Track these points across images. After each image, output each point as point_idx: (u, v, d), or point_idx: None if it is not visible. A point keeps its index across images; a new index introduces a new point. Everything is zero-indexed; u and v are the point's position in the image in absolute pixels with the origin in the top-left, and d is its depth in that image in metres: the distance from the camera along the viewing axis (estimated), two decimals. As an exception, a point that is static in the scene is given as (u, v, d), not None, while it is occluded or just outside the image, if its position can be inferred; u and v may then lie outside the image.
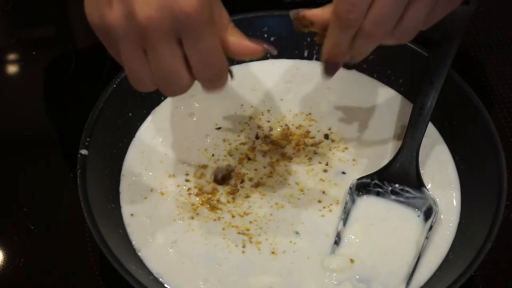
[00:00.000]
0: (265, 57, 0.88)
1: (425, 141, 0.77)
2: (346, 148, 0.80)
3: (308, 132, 0.82)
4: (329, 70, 0.65)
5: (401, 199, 0.75)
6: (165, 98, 0.84)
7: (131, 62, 0.57)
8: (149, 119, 0.82)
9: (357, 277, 0.70)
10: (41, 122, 0.90)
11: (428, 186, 0.76)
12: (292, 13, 0.64)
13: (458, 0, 0.62)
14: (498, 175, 0.72)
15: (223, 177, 0.77)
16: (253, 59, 0.88)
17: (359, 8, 0.59)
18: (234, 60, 0.86)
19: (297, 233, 0.73)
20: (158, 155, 0.79)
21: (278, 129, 0.82)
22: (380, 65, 0.86)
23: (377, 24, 0.59)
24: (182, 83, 0.59)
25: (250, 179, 0.77)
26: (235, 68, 0.86)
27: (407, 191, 0.74)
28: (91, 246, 0.76)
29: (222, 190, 0.76)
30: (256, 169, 0.78)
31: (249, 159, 0.79)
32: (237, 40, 0.59)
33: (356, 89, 0.86)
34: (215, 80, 0.59)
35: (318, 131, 0.82)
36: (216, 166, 0.78)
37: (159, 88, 0.59)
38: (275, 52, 0.62)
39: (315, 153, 0.79)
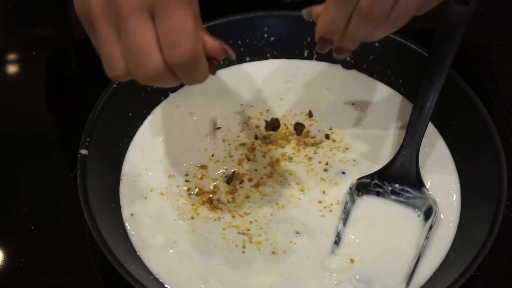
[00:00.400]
0: (265, 56, 0.88)
1: (425, 141, 0.77)
2: (347, 149, 0.80)
3: (308, 132, 0.81)
4: (323, 46, 0.65)
5: (401, 199, 0.75)
6: (165, 98, 0.84)
7: (105, 42, 0.55)
8: (149, 119, 0.82)
9: (357, 277, 0.70)
10: (41, 122, 0.90)
11: (428, 186, 0.76)
12: (304, 12, 0.65)
13: None
14: (498, 175, 0.72)
15: (230, 178, 0.77)
16: (253, 58, 0.88)
17: None
18: (234, 60, 0.87)
19: (297, 233, 0.73)
20: (158, 155, 0.79)
21: (278, 129, 0.82)
22: (380, 65, 0.86)
23: (375, 1, 0.59)
24: (153, 64, 0.55)
25: (250, 180, 0.77)
26: (235, 68, 0.87)
27: (407, 191, 0.74)
28: (91, 246, 0.76)
29: (222, 189, 0.76)
30: (256, 169, 0.78)
31: (248, 159, 0.79)
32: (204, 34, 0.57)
33: (356, 89, 0.86)
34: (184, 65, 0.55)
35: (319, 131, 0.82)
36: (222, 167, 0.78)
37: (130, 69, 0.56)
38: (233, 56, 0.59)
39: (315, 153, 0.79)
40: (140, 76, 0.56)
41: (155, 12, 0.54)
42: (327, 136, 0.81)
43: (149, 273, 0.70)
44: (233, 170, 0.77)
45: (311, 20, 0.65)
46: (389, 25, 0.62)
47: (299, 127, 0.82)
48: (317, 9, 0.64)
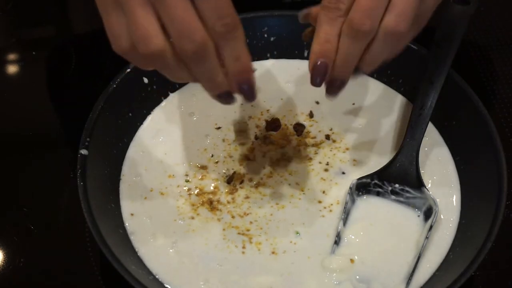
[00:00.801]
0: (265, 56, 0.88)
1: (425, 141, 0.77)
2: (347, 149, 0.80)
3: (308, 132, 0.82)
4: (318, 75, 0.63)
5: (401, 199, 0.75)
6: (165, 97, 0.84)
7: (141, 18, 0.55)
8: (149, 119, 0.82)
9: (357, 277, 0.70)
10: (41, 122, 0.90)
11: (428, 186, 0.76)
12: (301, 14, 0.65)
13: None
14: (498, 175, 0.72)
15: (230, 178, 0.77)
16: (253, 58, 0.88)
17: None
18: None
19: (297, 233, 0.73)
20: (158, 155, 0.79)
21: (278, 129, 0.82)
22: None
23: (365, 13, 0.58)
24: (199, 33, 0.55)
25: (250, 179, 0.77)
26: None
27: (407, 191, 0.74)
28: (91, 246, 0.76)
29: (222, 190, 0.76)
30: (256, 169, 0.78)
31: (248, 159, 0.79)
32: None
33: (356, 89, 0.86)
34: (231, 33, 0.56)
35: (319, 131, 0.82)
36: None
37: (176, 42, 0.56)
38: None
39: (316, 153, 0.79)
40: (188, 48, 0.55)
41: None
42: (328, 137, 0.81)
43: (149, 273, 0.70)
44: (233, 170, 0.77)
45: (309, 23, 0.65)
46: (381, 42, 0.60)
47: (299, 128, 0.82)
48: (314, 10, 0.64)
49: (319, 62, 0.62)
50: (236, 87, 0.60)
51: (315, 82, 0.63)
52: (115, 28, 0.57)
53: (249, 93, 0.60)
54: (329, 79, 0.63)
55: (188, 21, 0.55)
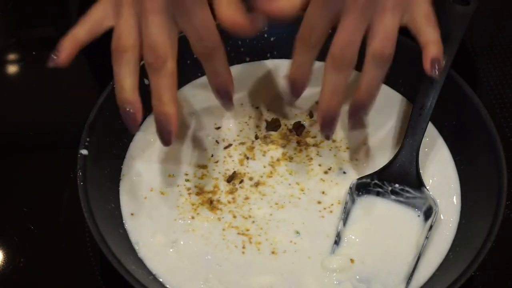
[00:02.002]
0: (265, 56, 0.88)
1: (425, 141, 0.77)
2: (348, 148, 0.80)
3: (308, 132, 0.82)
4: (294, 91, 0.72)
5: (401, 199, 0.75)
6: (165, 98, 0.84)
7: (123, 23, 0.64)
8: (149, 119, 0.82)
9: (357, 277, 0.70)
10: (41, 122, 0.90)
11: (428, 186, 0.76)
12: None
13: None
14: (498, 175, 0.72)
15: (230, 177, 0.77)
16: (253, 58, 0.88)
17: (319, 29, 0.66)
18: (235, 59, 0.87)
19: (297, 233, 0.73)
20: (158, 155, 0.79)
21: (278, 129, 0.82)
22: (380, 65, 0.86)
23: (344, 46, 0.65)
24: (161, 51, 0.64)
25: (250, 179, 0.77)
26: (236, 68, 0.87)
27: (407, 191, 0.74)
28: (91, 246, 0.76)
29: (222, 189, 0.76)
30: (256, 169, 0.78)
31: (248, 158, 0.79)
32: (228, 13, 0.65)
33: (356, 89, 0.85)
34: (210, 54, 0.66)
35: (319, 131, 0.81)
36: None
37: (144, 56, 0.65)
38: (261, 26, 0.67)
39: (316, 153, 0.79)
40: (148, 59, 0.65)
41: (176, 14, 0.64)
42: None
43: (149, 273, 0.70)
44: (233, 170, 0.77)
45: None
46: (374, 65, 0.68)
47: (299, 127, 0.82)
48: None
49: (296, 81, 0.72)
50: (215, 95, 0.70)
51: (292, 96, 0.73)
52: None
53: (227, 101, 0.71)
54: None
55: (156, 38, 0.64)
